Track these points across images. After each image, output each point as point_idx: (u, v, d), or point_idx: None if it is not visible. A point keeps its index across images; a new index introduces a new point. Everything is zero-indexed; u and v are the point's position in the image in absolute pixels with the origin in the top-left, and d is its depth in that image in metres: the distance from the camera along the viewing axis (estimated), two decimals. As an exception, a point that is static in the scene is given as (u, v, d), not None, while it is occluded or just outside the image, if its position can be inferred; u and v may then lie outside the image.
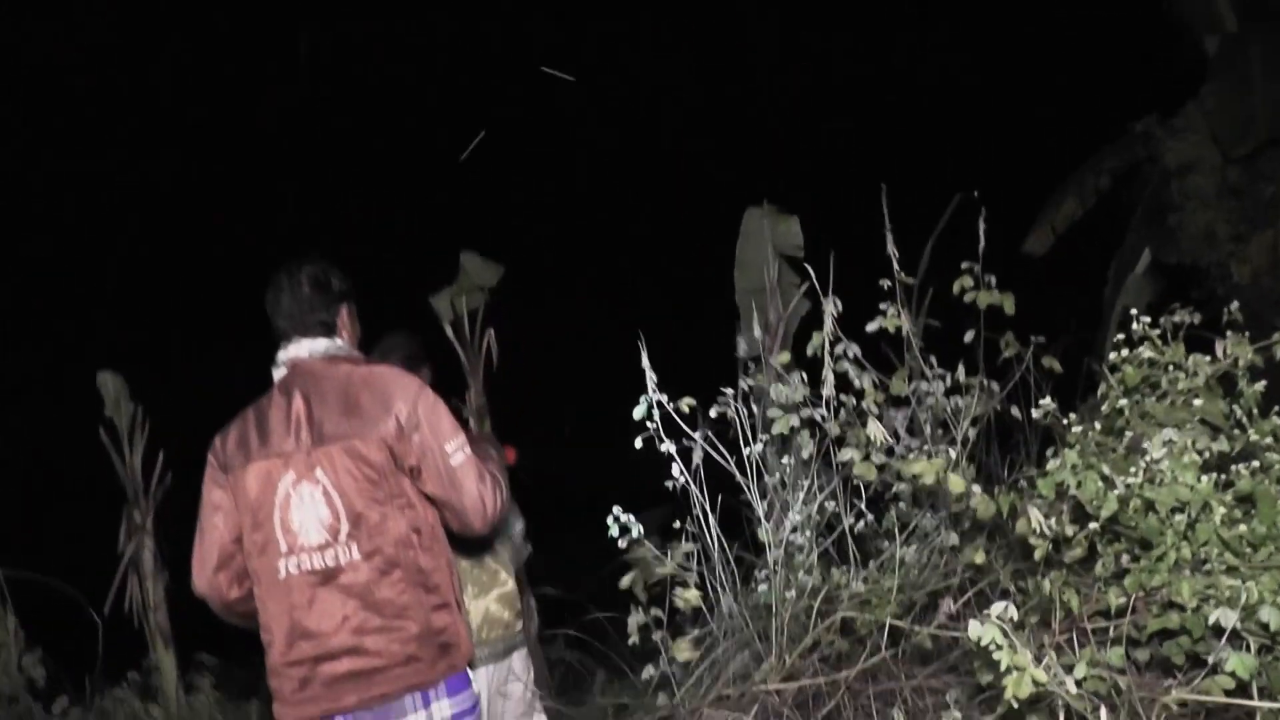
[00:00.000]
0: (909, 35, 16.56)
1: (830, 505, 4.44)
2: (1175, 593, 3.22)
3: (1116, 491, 3.36)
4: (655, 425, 4.32)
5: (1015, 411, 4.46)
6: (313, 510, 3.13)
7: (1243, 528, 3.26)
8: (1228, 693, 3.06)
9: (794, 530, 4.47)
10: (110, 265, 16.02)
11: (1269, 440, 3.55)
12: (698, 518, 4.42)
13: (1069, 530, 3.45)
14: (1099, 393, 3.98)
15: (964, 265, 4.29)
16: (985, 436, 4.79)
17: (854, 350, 4.30)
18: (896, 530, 4.24)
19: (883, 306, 4.36)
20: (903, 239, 4.51)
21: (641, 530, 4.43)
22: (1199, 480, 3.30)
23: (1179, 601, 3.23)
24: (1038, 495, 3.55)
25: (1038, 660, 3.02)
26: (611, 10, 16.91)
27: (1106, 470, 3.43)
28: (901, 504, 4.43)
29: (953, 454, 4.06)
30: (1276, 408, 3.68)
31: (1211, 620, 3.07)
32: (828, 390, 4.26)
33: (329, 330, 3.34)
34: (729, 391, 4.36)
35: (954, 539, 4.20)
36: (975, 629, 2.94)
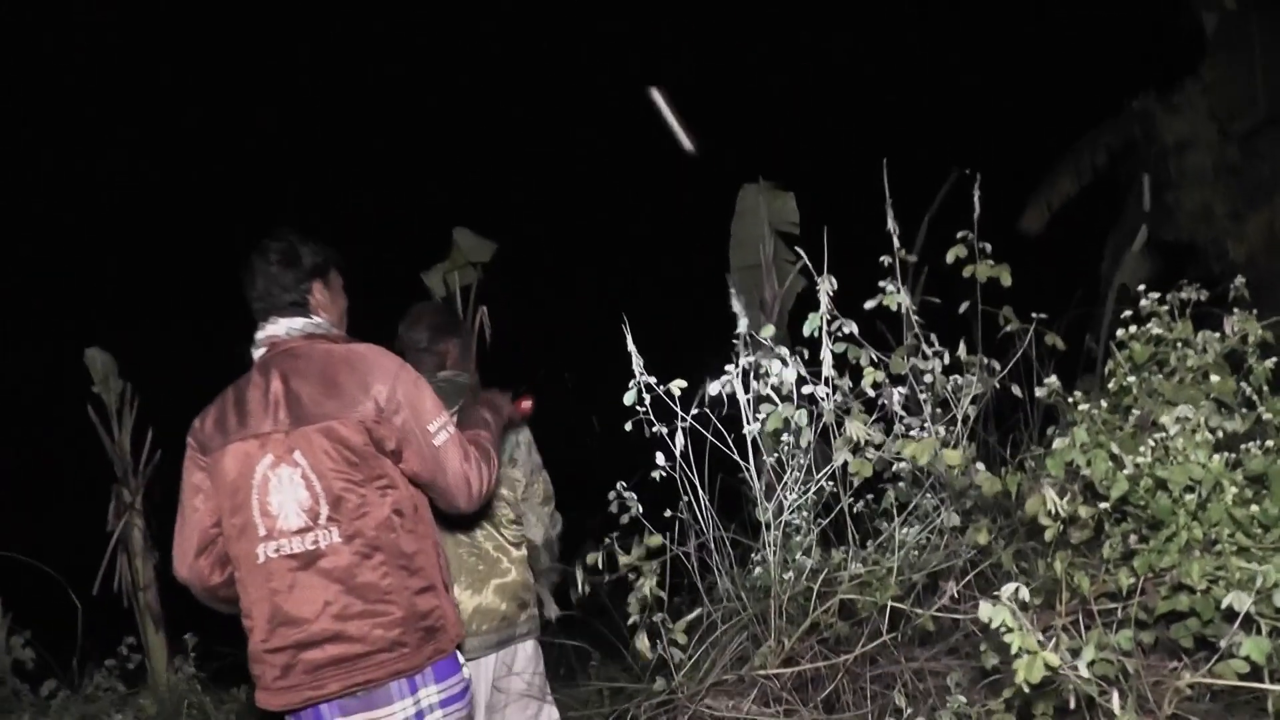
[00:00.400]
0: (906, 12, 16.45)
1: (829, 485, 4.37)
2: (1185, 574, 3.16)
3: (1126, 471, 3.29)
4: (645, 409, 4.27)
5: (1016, 389, 4.37)
6: (291, 493, 3.04)
7: (1255, 508, 3.20)
8: (1241, 677, 2.99)
9: (792, 511, 4.39)
10: (100, 241, 15.89)
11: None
12: (690, 500, 4.35)
13: (1081, 511, 3.37)
14: (1106, 370, 3.90)
15: (959, 235, 4.21)
16: (985, 414, 4.73)
17: (851, 328, 4.21)
18: (895, 510, 4.17)
19: (882, 284, 4.28)
20: (898, 216, 4.42)
21: (640, 509, 4.38)
22: (1211, 459, 3.23)
23: (1189, 583, 3.17)
24: (1046, 475, 3.48)
25: (1044, 643, 2.96)
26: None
27: (1115, 449, 3.36)
28: (901, 483, 4.36)
29: (943, 432, 3.98)
30: (1286, 385, 3.62)
31: (1224, 603, 3.00)
32: (826, 369, 4.18)
33: (303, 308, 3.24)
34: (727, 369, 4.28)
35: (955, 519, 4.14)
36: (986, 610, 2.86)
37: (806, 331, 4.21)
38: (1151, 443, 3.35)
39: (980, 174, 4.40)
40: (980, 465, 3.82)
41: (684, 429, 4.24)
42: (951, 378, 4.24)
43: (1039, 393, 4.04)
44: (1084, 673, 2.91)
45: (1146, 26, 11.60)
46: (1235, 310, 3.88)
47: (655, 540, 4.30)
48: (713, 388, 4.29)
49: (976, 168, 4.47)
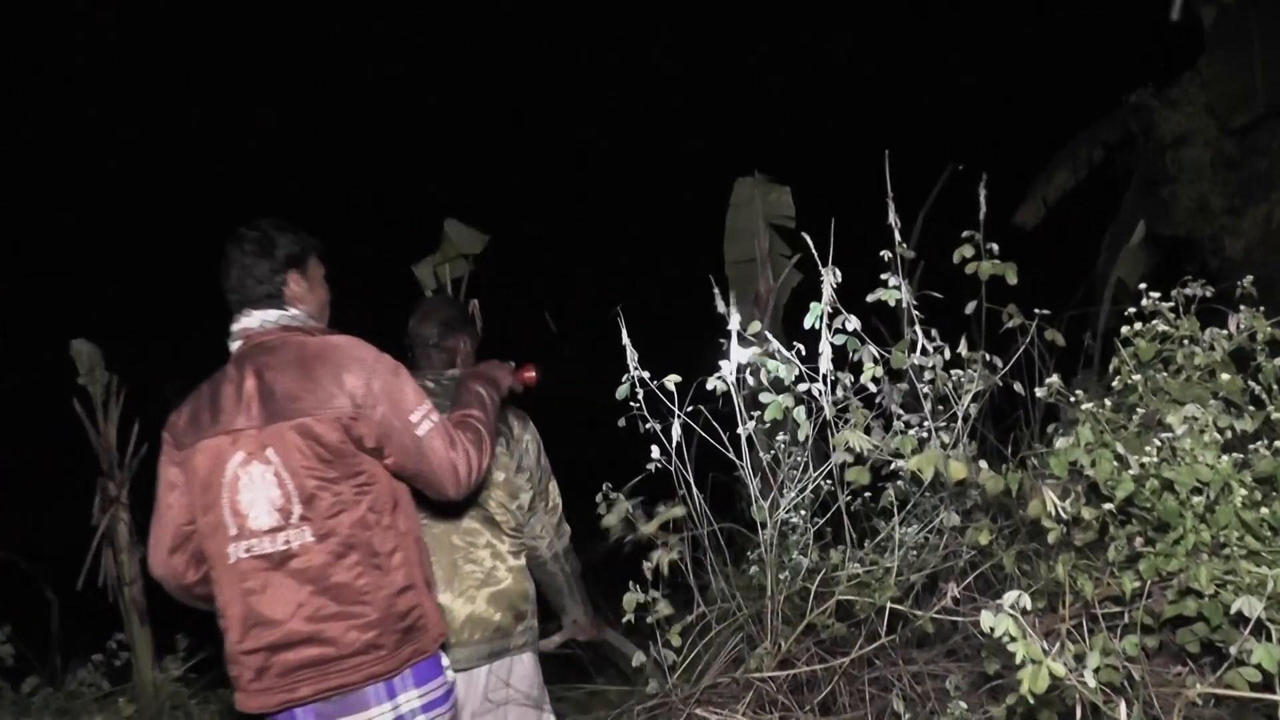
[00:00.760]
0: (903, 8, 16.40)
1: (826, 484, 4.28)
2: (1192, 578, 3.08)
3: (1132, 471, 3.21)
4: (638, 405, 4.20)
5: (1018, 387, 4.29)
6: (263, 491, 2.96)
7: (1265, 510, 3.12)
8: (1252, 686, 2.92)
9: (788, 509, 4.31)
10: (89, 233, 15.79)
11: (1289, 418, 3.40)
12: (684, 497, 4.27)
13: (1085, 513, 3.29)
14: (1111, 367, 3.81)
15: (965, 234, 4.13)
16: (985, 411, 4.65)
17: (854, 323, 4.13)
18: (895, 509, 4.09)
19: (883, 277, 4.19)
20: (895, 212, 4.33)
21: (631, 509, 4.30)
22: (1220, 460, 3.15)
23: (1196, 588, 3.09)
24: (1049, 475, 3.40)
25: (1048, 650, 2.88)
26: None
27: (1120, 449, 3.28)
28: (900, 481, 4.28)
29: (946, 439, 3.90)
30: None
31: (1234, 609, 2.92)
32: (825, 365, 4.10)
33: (278, 300, 3.16)
34: (723, 365, 4.20)
35: (955, 518, 4.06)
36: (988, 619, 2.79)
37: (808, 324, 4.12)
38: (1158, 442, 3.27)
39: (977, 169, 4.33)
40: (983, 464, 3.73)
41: (679, 424, 4.16)
42: (952, 374, 4.16)
43: (1040, 391, 3.97)
44: (1090, 681, 2.84)
45: (1144, 21, 11.54)
46: (1241, 307, 3.79)
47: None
48: (707, 384, 4.22)
49: (973, 163, 4.40)
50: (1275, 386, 3.51)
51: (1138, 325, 3.74)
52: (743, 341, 4.27)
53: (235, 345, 3.15)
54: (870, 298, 4.12)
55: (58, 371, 7.83)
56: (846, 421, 4.01)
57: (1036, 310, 4.12)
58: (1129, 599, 3.25)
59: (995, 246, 4.08)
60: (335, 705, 2.94)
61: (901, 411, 4.20)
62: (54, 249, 15.63)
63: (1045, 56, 14.77)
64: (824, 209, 4.67)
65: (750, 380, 4.25)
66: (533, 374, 3.89)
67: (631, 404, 4.18)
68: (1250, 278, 3.90)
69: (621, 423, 4.27)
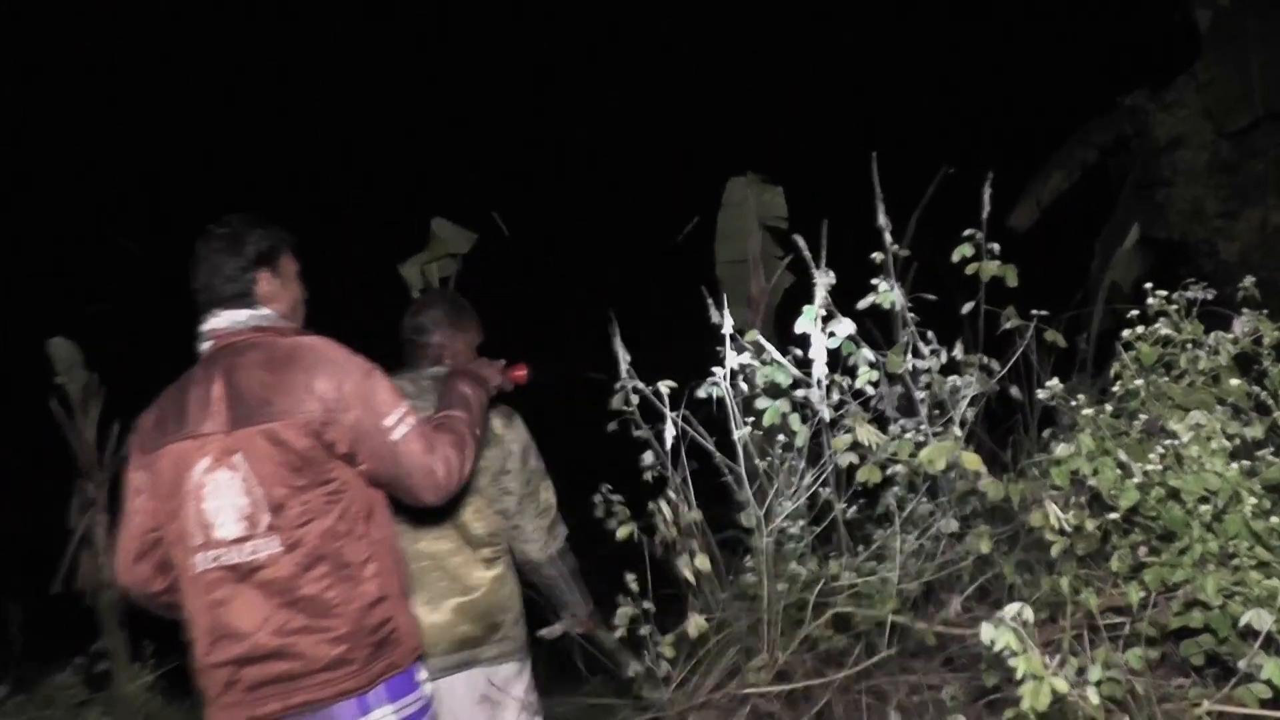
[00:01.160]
0: (898, 8, 16.34)
1: (824, 491, 4.19)
2: (1199, 589, 2.99)
3: (1136, 480, 3.13)
4: (632, 409, 4.11)
5: (1015, 391, 4.21)
6: (230, 499, 2.83)
7: (1274, 519, 3.03)
8: (1263, 703, 2.83)
9: (784, 517, 4.21)
10: (67, 230, 15.65)
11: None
12: (675, 504, 4.19)
13: (1088, 524, 3.20)
14: (1111, 371, 3.72)
15: (966, 233, 4.04)
16: (981, 415, 4.56)
17: (848, 326, 4.04)
18: (897, 517, 3.99)
19: (874, 281, 4.10)
20: (887, 213, 4.24)
21: (629, 514, 4.22)
22: (1228, 468, 3.06)
23: (1203, 598, 3.00)
24: (1051, 484, 3.31)
25: (1050, 663, 2.79)
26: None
27: (1123, 456, 3.20)
28: (897, 488, 4.18)
29: (960, 434, 3.80)
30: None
31: (1243, 621, 2.83)
32: (820, 369, 4.01)
33: (247, 299, 3.04)
34: (716, 371, 4.11)
35: (954, 525, 3.97)
36: (988, 631, 2.70)
37: (800, 328, 4.03)
38: (1161, 449, 3.19)
39: (972, 171, 4.26)
40: (983, 469, 3.64)
41: (673, 429, 4.07)
42: (950, 378, 4.07)
43: (1039, 395, 3.88)
44: (1093, 697, 2.75)
45: (1140, 24, 11.49)
46: (1244, 310, 3.70)
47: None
48: (699, 391, 4.13)
49: (967, 165, 4.33)
50: (1281, 392, 3.43)
51: (1140, 329, 3.64)
52: (736, 345, 4.18)
53: (204, 346, 3.03)
54: (862, 304, 4.03)
55: (36, 370, 7.72)
56: (844, 428, 3.93)
57: (1034, 312, 4.05)
58: (1134, 610, 3.16)
59: (996, 247, 4.01)
60: None
61: (898, 415, 4.12)
62: (33, 244, 15.47)
63: (1040, 58, 14.71)
64: (818, 210, 4.59)
65: (744, 385, 4.16)
66: (523, 372, 3.77)
67: (624, 407, 4.10)
68: (1252, 279, 3.82)
69: (613, 426, 4.19)
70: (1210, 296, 3.77)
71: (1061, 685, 2.65)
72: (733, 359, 4.13)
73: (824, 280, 4.02)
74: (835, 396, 4.02)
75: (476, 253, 7.63)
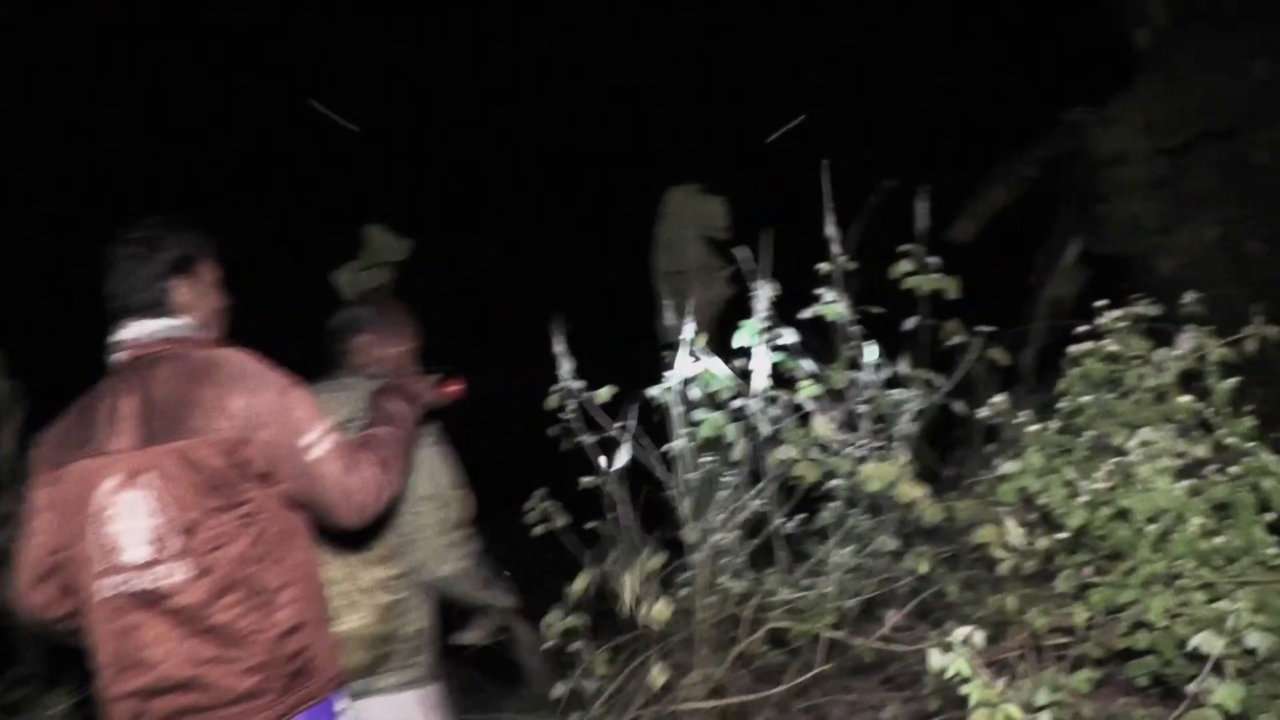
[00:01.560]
0: (838, 20, 16.37)
1: (760, 504, 4.10)
2: (1146, 610, 2.93)
3: (1084, 498, 3.07)
4: (572, 416, 4.01)
5: (959, 406, 4.15)
6: (137, 521, 2.68)
7: (1220, 539, 2.98)
8: (1212, 727, 2.77)
9: (720, 530, 4.12)
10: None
11: (1242, 443, 3.25)
12: (616, 517, 4.10)
13: (1039, 543, 3.14)
14: (1058, 387, 3.66)
15: (904, 247, 3.99)
16: (924, 431, 4.51)
17: (791, 338, 3.97)
18: (839, 534, 3.92)
19: (817, 292, 4.04)
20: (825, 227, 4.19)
21: (563, 522, 4.12)
22: (1175, 486, 3.01)
23: (1149, 620, 2.94)
24: (998, 502, 3.25)
25: (993, 683, 2.72)
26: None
27: (1071, 474, 3.14)
28: (835, 503, 4.11)
29: (904, 457, 3.73)
30: (1248, 406, 3.40)
31: (1191, 645, 2.77)
32: (760, 382, 3.93)
33: (161, 308, 2.87)
34: (667, 376, 4.03)
35: (894, 543, 3.90)
36: (937, 659, 2.62)
37: (740, 341, 3.96)
38: (1109, 467, 3.13)
39: (912, 185, 4.22)
40: (924, 491, 3.57)
41: (616, 439, 3.98)
42: (892, 392, 4.01)
43: (983, 412, 3.83)
44: (1044, 721, 2.68)
45: (1081, 40, 11.56)
46: (1188, 326, 3.66)
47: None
48: (651, 392, 4.04)
49: (906, 179, 4.29)
50: (1227, 410, 3.38)
51: (1087, 345, 3.59)
52: (687, 353, 4.11)
53: (115, 357, 2.87)
54: (807, 313, 3.97)
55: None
56: (784, 440, 3.86)
57: (979, 328, 4.00)
58: (1080, 631, 3.10)
59: (937, 260, 3.96)
60: None
61: (838, 435, 4.05)
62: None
63: (981, 74, 14.80)
64: (758, 220, 4.53)
65: (686, 396, 4.08)
66: (457, 387, 3.65)
67: (563, 414, 4.00)
68: (1194, 294, 3.79)
69: (552, 433, 4.09)
70: (1156, 313, 3.73)
71: (1016, 713, 2.57)
72: (685, 366, 4.04)
73: (765, 292, 3.96)
74: (775, 410, 3.95)
75: (417, 258, 7.52)
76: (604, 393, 4.01)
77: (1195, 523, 2.97)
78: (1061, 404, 3.60)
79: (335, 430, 2.82)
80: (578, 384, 4.03)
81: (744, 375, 3.96)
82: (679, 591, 4.17)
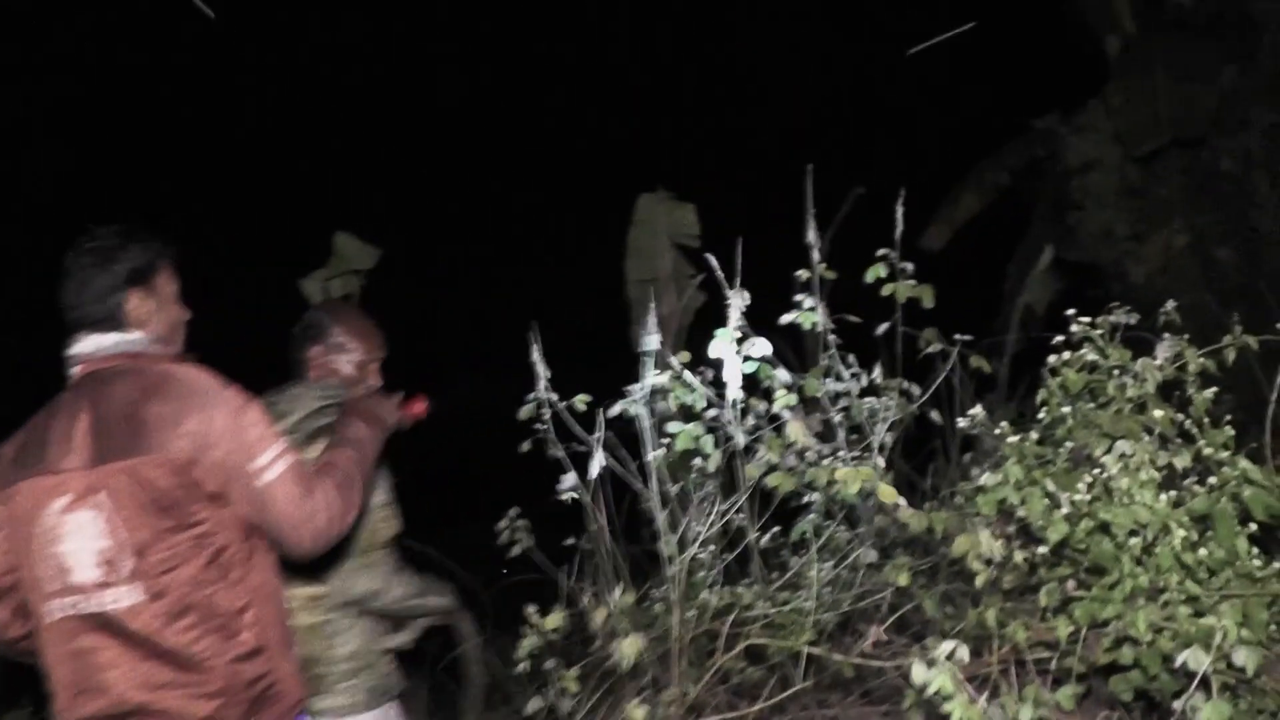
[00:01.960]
0: (809, 28, 16.36)
1: (737, 517, 4.04)
2: (1130, 624, 2.89)
3: (1064, 511, 3.02)
4: (546, 427, 3.94)
5: (935, 416, 4.11)
6: (88, 541, 2.59)
7: (1203, 552, 2.94)
8: (1199, 744, 2.73)
9: (695, 543, 4.05)
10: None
11: (1222, 453, 3.22)
12: (593, 531, 4.04)
13: (1018, 557, 3.09)
14: (1038, 398, 3.62)
15: (880, 253, 3.94)
16: (899, 441, 4.46)
17: (764, 347, 3.91)
18: (815, 548, 3.86)
19: (795, 299, 3.98)
20: (797, 234, 4.13)
21: (533, 540, 4.05)
22: (1157, 499, 2.97)
23: (1133, 634, 2.90)
24: (977, 514, 3.20)
25: (977, 698, 2.68)
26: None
27: (1051, 486, 3.09)
28: (813, 515, 4.06)
29: (881, 461, 3.68)
30: (1227, 417, 3.37)
31: (1179, 661, 2.73)
32: (734, 392, 3.87)
33: (116, 322, 2.78)
34: (634, 386, 3.96)
35: (873, 555, 3.85)
36: (919, 673, 2.57)
37: (714, 351, 3.90)
38: (1089, 479, 3.08)
39: (886, 192, 4.18)
40: (902, 500, 3.53)
41: (591, 451, 3.91)
42: (868, 401, 3.96)
43: (961, 423, 3.79)
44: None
45: (1050, 48, 11.59)
46: (1166, 335, 3.63)
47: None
48: (614, 409, 3.97)
49: (881, 186, 4.26)
50: (1206, 420, 3.34)
51: (1065, 354, 3.54)
52: (656, 365, 4.05)
53: (71, 372, 2.79)
54: (784, 319, 3.92)
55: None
56: (759, 451, 3.80)
57: (956, 336, 3.97)
58: (1062, 645, 3.05)
59: (911, 266, 3.92)
60: None
61: (815, 441, 3.99)
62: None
63: (953, 81, 14.80)
64: (730, 227, 4.49)
65: (658, 407, 4.02)
66: (421, 407, 3.55)
67: (537, 425, 3.93)
68: (1173, 303, 3.76)
69: (526, 446, 4.02)
70: (1133, 321, 3.69)
71: (998, 730, 2.52)
72: (652, 378, 3.98)
73: (738, 300, 3.90)
74: (750, 420, 3.89)
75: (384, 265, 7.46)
76: (579, 402, 3.94)
77: (1179, 535, 2.92)
78: (1040, 414, 3.55)
79: (291, 452, 2.72)
80: (553, 394, 3.97)
81: (718, 385, 3.90)
82: (654, 606, 4.12)
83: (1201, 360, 3.46)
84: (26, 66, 15.34)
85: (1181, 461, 3.16)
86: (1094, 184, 9.50)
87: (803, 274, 3.93)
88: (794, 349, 4.38)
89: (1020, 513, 3.10)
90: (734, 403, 3.84)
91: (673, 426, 3.91)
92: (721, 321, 3.85)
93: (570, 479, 3.98)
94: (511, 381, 4.07)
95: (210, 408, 2.63)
